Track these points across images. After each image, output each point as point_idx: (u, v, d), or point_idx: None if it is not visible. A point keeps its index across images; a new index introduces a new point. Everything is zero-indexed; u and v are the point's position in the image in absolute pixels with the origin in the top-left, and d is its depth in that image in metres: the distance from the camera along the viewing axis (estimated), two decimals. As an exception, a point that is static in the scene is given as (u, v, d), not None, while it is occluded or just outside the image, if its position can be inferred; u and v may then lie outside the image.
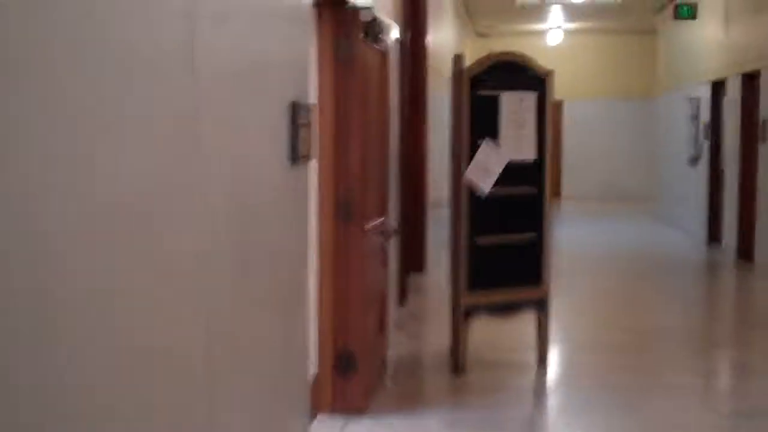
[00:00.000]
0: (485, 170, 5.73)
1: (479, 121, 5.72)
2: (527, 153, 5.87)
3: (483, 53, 6.30)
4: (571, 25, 18.09)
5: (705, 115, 12.63)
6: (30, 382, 1.49)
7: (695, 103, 13.18)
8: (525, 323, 6.29)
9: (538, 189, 5.94)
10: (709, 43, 12.64)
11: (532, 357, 6.07)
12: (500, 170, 5.76)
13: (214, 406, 2.42)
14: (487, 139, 5.73)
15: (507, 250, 5.89)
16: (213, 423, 2.42)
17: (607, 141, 19.29)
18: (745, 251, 10.76)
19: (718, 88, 12.25)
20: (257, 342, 2.86)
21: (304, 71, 3.42)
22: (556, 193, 18.93)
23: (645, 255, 11.85)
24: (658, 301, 8.62)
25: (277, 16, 3.05)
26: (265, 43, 2.89)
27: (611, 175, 19.24)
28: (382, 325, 5.39)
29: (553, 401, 5.52)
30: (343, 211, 4.44)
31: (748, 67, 10.68)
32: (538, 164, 5.92)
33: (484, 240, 5.81)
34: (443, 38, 11.29)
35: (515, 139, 5.83)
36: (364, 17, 4.50)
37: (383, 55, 5.19)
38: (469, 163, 5.70)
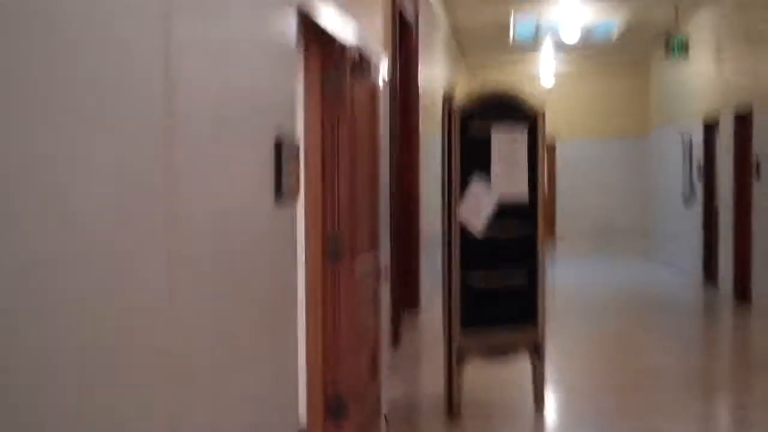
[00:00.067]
0: (477, 209, 5.62)
1: (470, 158, 5.62)
2: (519, 190, 5.76)
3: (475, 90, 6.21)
4: (564, 63, 18.10)
5: (698, 153, 12.58)
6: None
7: (688, 140, 13.13)
8: (521, 364, 6.14)
9: (531, 228, 5.83)
10: (702, 79, 12.62)
11: (528, 400, 5.91)
12: (492, 208, 5.65)
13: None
14: (477, 176, 5.62)
15: (500, 290, 5.76)
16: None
17: (601, 180, 19.23)
18: (742, 291, 10.63)
19: (710, 124, 12.21)
20: (242, 392, 2.71)
21: (290, 106, 3.30)
22: (551, 232, 18.83)
23: (640, 295, 11.72)
24: (655, 342, 8.47)
25: (261, 50, 2.94)
26: (248, 79, 2.77)
27: (605, 214, 19.14)
28: (374, 367, 5.23)
29: (549, 446, 5.36)
30: (332, 250, 4.31)
31: (741, 104, 10.63)
32: (532, 202, 5.81)
33: (477, 280, 5.68)
34: (435, 75, 11.24)
35: (507, 176, 5.72)
36: (352, 53, 4.40)
37: (372, 91, 5.09)
38: (460, 201, 5.58)
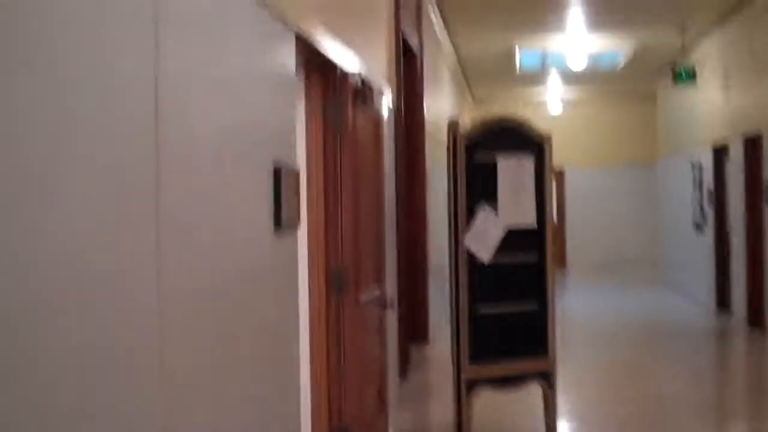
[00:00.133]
0: (484, 238, 5.55)
1: (477, 187, 5.56)
2: (527, 218, 5.70)
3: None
4: (571, 92, 18.10)
5: (708, 179, 12.50)
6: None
7: (697, 167, 13.06)
8: (531, 395, 6.04)
9: (540, 255, 5.76)
10: (710, 106, 12.57)
11: (540, 430, 5.81)
12: (499, 237, 5.58)
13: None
14: (484, 205, 5.56)
15: (509, 320, 5.68)
16: None
17: (610, 208, 19.16)
18: (756, 318, 10.50)
19: (720, 151, 12.14)
20: (243, 428, 2.64)
21: (288, 136, 3.26)
22: (561, 261, 18.72)
23: (652, 322, 11.60)
24: (667, 370, 8.35)
25: (258, 79, 2.90)
26: (245, 109, 2.73)
27: (615, 243, 19.04)
28: (381, 399, 5.15)
29: (561, 479, 5.25)
30: (336, 282, 4.24)
31: (750, 130, 10.57)
32: (540, 230, 5.74)
33: (486, 309, 5.60)
34: (441, 105, 11.22)
35: (514, 204, 5.66)
36: (354, 81, 4.37)
37: (376, 120, 5.05)
38: (467, 230, 5.52)
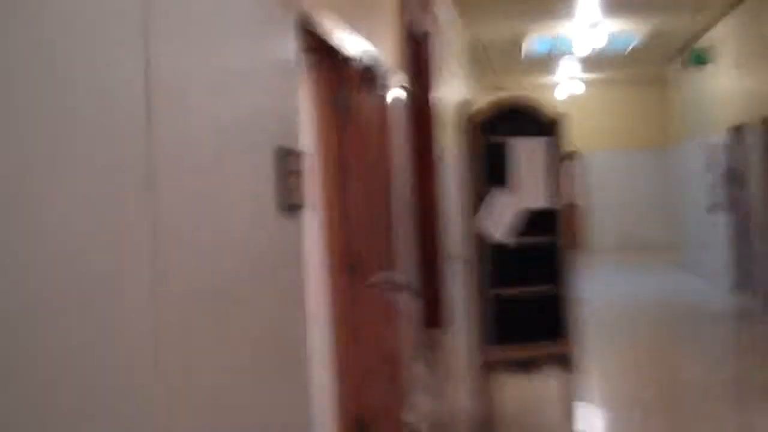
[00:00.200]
0: (497, 219, 5.49)
1: (489, 169, 5.50)
2: (540, 200, 5.64)
3: (492, 102, 6.09)
4: (583, 77, 17.97)
5: (725, 162, 12.38)
6: None
7: (714, 149, 12.94)
8: (551, 378, 5.98)
9: (556, 238, 5.69)
10: (724, 89, 12.44)
11: (558, 415, 5.75)
12: (512, 218, 5.52)
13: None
14: (496, 186, 5.50)
15: (527, 303, 5.63)
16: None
17: (627, 191, 19.06)
18: (776, 297, 10.39)
19: (736, 133, 12.01)
20: (249, 419, 2.60)
21: (291, 118, 3.21)
22: (578, 244, 18.63)
23: (672, 305, 11.50)
24: (689, 353, 8.27)
25: (256, 62, 2.85)
26: (243, 92, 2.68)
27: (632, 225, 18.95)
28: (399, 386, 5.10)
29: (582, 462, 5.19)
30: (348, 267, 4.19)
31: (766, 111, 10.44)
32: (555, 212, 5.68)
33: (503, 293, 5.55)
34: (452, 91, 11.14)
35: (527, 186, 5.60)
36: (360, 65, 4.31)
37: (383, 105, 4.99)
38: (480, 212, 5.47)
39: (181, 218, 2.11)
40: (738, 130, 11.90)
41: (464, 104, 5.74)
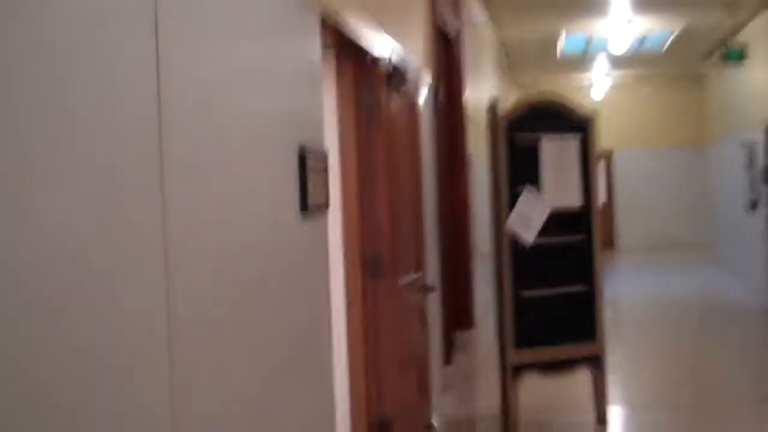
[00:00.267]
0: (527, 220, 5.44)
1: (519, 168, 5.45)
2: (572, 200, 5.58)
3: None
4: (617, 75, 17.82)
5: (761, 158, 12.20)
6: None
7: (751, 147, 12.77)
8: (580, 380, 5.92)
9: (587, 238, 5.63)
10: (760, 85, 12.26)
11: (589, 417, 5.69)
12: (543, 219, 5.47)
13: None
14: (528, 186, 5.45)
15: (556, 303, 5.56)
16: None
17: (660, 190, 18.88)
18: (813, 297, 10.22)
19: (773, 130, 11.83)
20: (272, 420, 2.58)
21: (315, 117, 3.19)
22: (610, 242, 18.48)
23: (704, 304, 11.35)
24: (721, 353, 8.15)
25: (278, 60, 2.84)
26: (264, 90, 2.66)
27: (665, 224, 18.76)
28: (423, 388, 5.07)
29: (611, 465, 5.13)
30: (372, 267, 4.17)
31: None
32: (587, 212, 5.61)
33: (531, 293, 5.49)
34: (483, 90, 11.08)
35: (558, 185, 5.54)
36: (386, 64, 4.28)
37: (411, 104, 4.97)
38: (509, 212, 5.42)
39: (195, 219, 2.09)
40: (774, 128, 11.73)
41: (493, 101, 5.69)
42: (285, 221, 2.79)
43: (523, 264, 5.47)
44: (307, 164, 2.92)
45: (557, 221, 5.52)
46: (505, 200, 5.44)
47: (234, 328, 2.30)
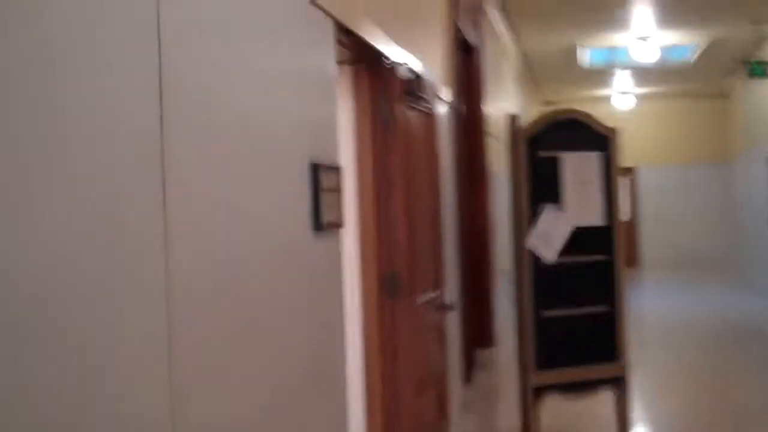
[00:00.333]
0: (548, 238, 5.30)
1: (540, 185, 5.31)
2: (594, 218, 5.43)
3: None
4: (640, 90, 17.63)
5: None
6: None
7: (776, 162, 12.57)
8: (603, 402, 5.75)
9: (609, 256, 5.47)
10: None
11: (611, 440, 5.52)
12: (565, 237, 5.32)
13: None
14: (549, 204, 5.31)
15: (578, 323, 5.41)
16: None
17: (684, 206, 18.63)
18: (841, 317, 9.99)
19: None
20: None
21: (329, 130, 3.07)
22: (634, 260, 18.25)
23: (730, 324, 11.12)
24: (748, 377, 7.95)
25: (290, 70, 2.72)
26: (273, 101, 2.54)
27: (689, 242, 18.50)
28: (441, 408, 4.93)
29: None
30: (389, 286, 4.04)
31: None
32: (609, 229, 5.46)
33: (552, 313, 5.34)
34: (505, 104, 10.95)
35: (579, 203, 5.39)
36: (404, 75, 4.16)
37: (430, 117, 4.84)
38: (530, 230, 5.27)
39: (197, 240, 1.97)
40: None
41: (512, 115, 5.55)
42: (296, 240, 2.67)
43: (545, 283, 5.33)
44: (320, 180, 2.79)
45: (579, 239, 5.37)
46: (525, 217, 5.30)
47: (240, 351, 2.18)
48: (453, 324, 5.79)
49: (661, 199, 18.72)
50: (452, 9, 6.72)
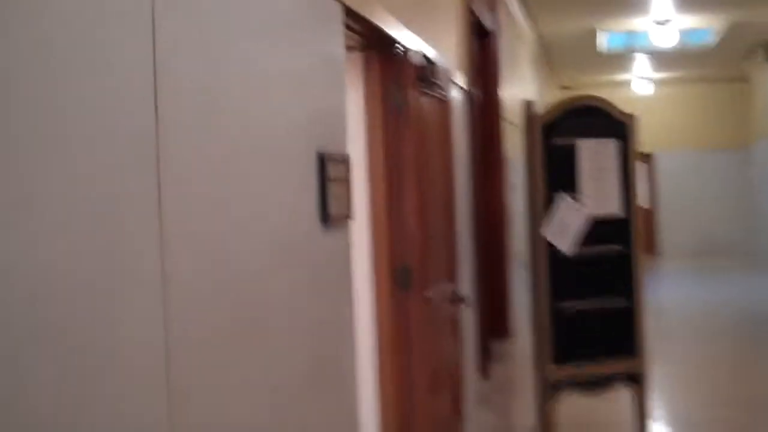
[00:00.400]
0: (564, 229, 5.15)
1: (556, 174, 5.16)
2: (611, 207, 5.28)
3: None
4: (659, 75, 17.41)
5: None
6: None
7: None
8: (620, 397, 5.62)
9: (627, 247, 5.33)
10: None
11: (630, 435, 5.39)
12: (581, 228, 5.17)
13: None
14: (564, 192, 5.16)
15: (596, 316, 5.27)
16: None
17: (703, 193, 18.40)
18: None
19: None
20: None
21: (337, 119, 2.94)
22: (652, 248, 18.06)
23: (752, 315, 10.94)
24: (771, 367, 7.78)
25: (294, 57, 2.58)
26: (276, 89, 2.41)
27: (709, 229, 18.28)
28: (456, 404, 4.81)
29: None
30: (401, 278, 3.91)
31: None
32: (627, 218, 5.31)
33: (569, 306, 5.21)
34: (521, 90, 10.79)
35: (596, 192, 5.24)
36: (416, 61, 4.02)
37: (443, 104, 4.70)
38: (545, 220, 5.13)
39: (194, 236, 1.85)
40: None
41: (527, 102, 5.40)
42: (302, 234, 2.54)
43: (561, 274, 5.19)
44: (327, 172, 2.67)
45: (597, 229, 5.23)
46: (540, 207, 5.16)
47: (240, 351, 2.07)
48: (469, 315, 5.67)
49: (680, 185, 18.49)
50: (467, -8, 6.56)
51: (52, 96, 1.37)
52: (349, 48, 3.63)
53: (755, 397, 6.63)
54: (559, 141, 5.20)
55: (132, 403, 1.57)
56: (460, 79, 5.88)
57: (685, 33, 12.89)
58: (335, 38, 2.94)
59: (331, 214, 2.72)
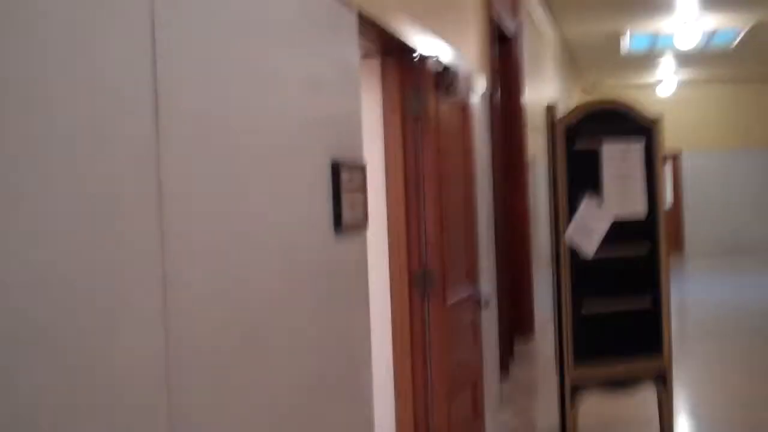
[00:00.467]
0: (588, 230, 5.15)
1: (579, 176, 5.17)
2: (635, 208, 5.27)
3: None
4: (684, 76, 17.29)
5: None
6: None
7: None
8: (645, 397, 5.61)
9: (652, 247, 5.32)
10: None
11: (654, 437, 5.38)
12: (605, 229, 5.17)
13: None
14: (588, 194, 5.16)
15: (619, 317, 5.27)
16: None
17: (730, 193, 18.27)
18: None
19: None
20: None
21: (352, 126, 2.96)
22: (677, 248, 17.94)
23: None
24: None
25: (308, 63, 2.61)
26: (288, 96, 2.44)
27: (735, 229, 18.14)
28: (476, 407, 4.82)
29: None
30: (421, 284, 3.93)
31: None
32: (652, 220, 5.30)
33: (592, 307, 5.20)
34: (544, 92, 10.77)
35: (620, 193, 5.24)
36: (435, 66, 4.04)
37: (463, 108, 4.71)
38: (568, 221, 5.14)
39: (202, 239, 1.88)
40: None
41: (550, 105, 5.41)
42: (315, 244, 2.57)
43: (584, 275, 5.19)
44: (341, 179, 2.69)
45: (621, 230, 5.22)
46: (563, 209, 5.16)
47: (247, 364, 2.09)
48: (491, 316, 5.68)
49: (706, 185, 18.38)
50: (488, -5, 6.57)
51: (52, 97, 1.38)
52: (367, 55, 3.65)
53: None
54: (582, 144, 5.20)
55: (130, 408, 1.59)
56: (482, 84, 5.90)
57: (710, 33, 12.80)
58: (350, 45, 2.97)
59: (344, 222, 2.74)
